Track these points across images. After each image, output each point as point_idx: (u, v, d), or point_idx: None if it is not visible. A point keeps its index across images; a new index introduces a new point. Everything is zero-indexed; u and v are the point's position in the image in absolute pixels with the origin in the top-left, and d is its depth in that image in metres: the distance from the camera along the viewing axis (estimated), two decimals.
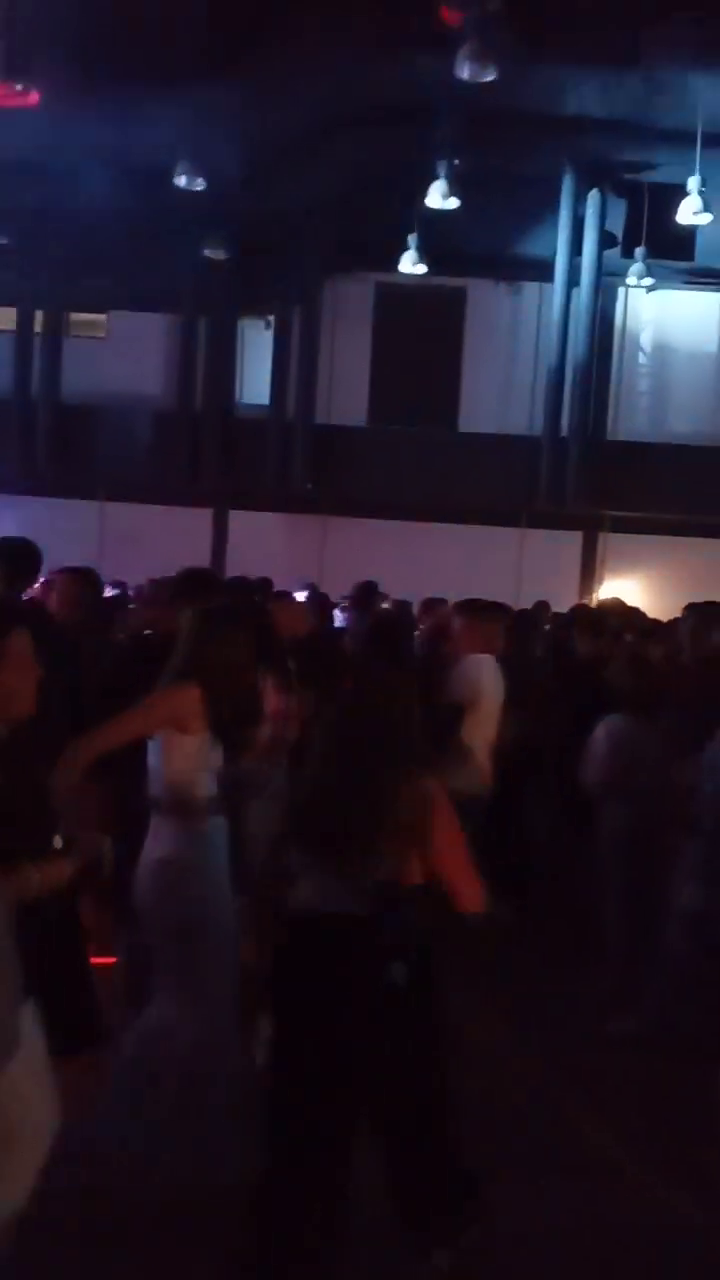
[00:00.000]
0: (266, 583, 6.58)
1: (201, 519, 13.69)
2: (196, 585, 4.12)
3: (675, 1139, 3.45)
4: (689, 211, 9.98)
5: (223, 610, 3.36)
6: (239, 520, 13.83)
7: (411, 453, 13.24)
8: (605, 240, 12.37)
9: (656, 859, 4.23)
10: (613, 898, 4.51)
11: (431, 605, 7.78)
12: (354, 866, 2.48)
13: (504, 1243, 2.76)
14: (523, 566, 12.89)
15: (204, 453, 13.33)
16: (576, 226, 12.28)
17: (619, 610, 6.47)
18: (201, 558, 12.21)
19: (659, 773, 4.23)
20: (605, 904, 4.53)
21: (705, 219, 10.02)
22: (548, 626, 7.63)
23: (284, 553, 12.15)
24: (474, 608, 5.04)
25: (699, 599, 5.91)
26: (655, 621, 7.04)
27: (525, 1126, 3.47)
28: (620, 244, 12.44)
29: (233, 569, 10.35)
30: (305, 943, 2.55)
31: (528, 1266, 2.84)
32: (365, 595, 8.52)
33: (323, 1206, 2.48)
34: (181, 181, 10.11)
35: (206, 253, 12.02)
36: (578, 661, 5.61)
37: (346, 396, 13.74)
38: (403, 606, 8.59)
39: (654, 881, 4.22)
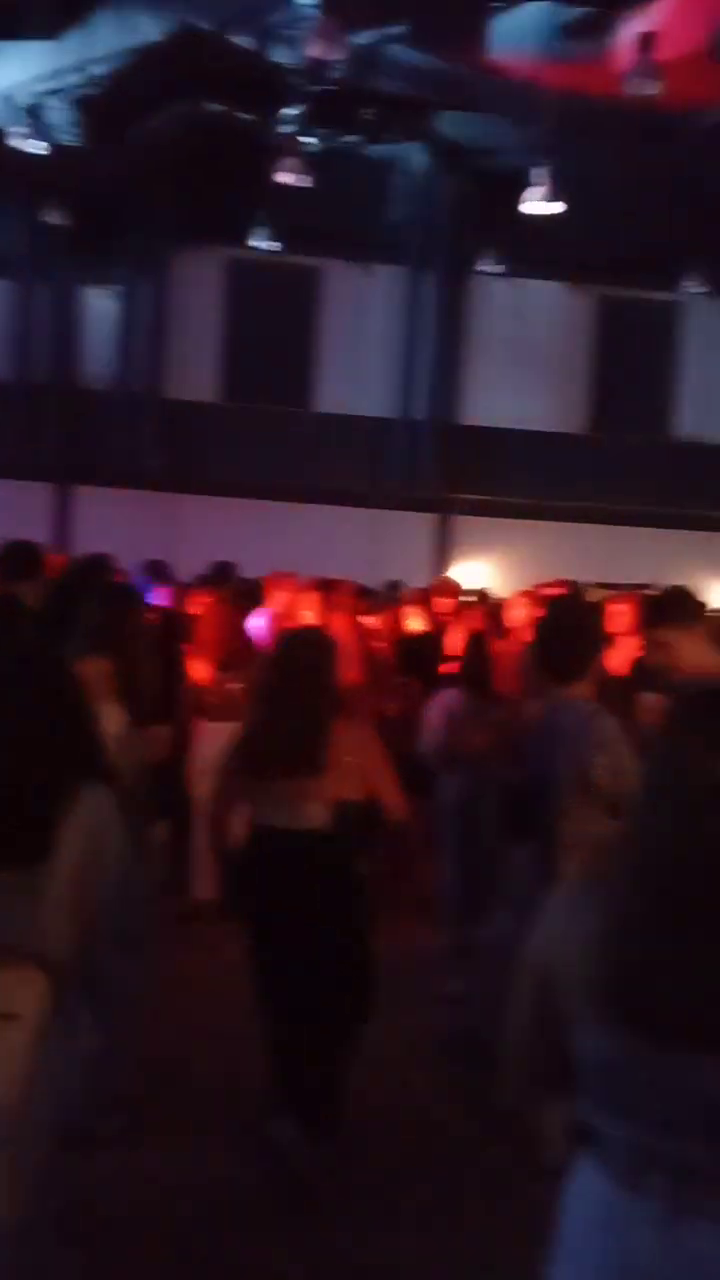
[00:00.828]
0: (105, 560, 6.43)
1: (42, 495, 13.26)
2: (18, 560, 4.02)
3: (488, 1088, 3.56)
4: (537, 200, 10.21)
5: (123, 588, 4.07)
6: (85, 497, 13.46)
7: (265, 431, 13.15)
8: (456, 225, 12.55)
9: (488, 829, 4.36)
10: (447, 864, 4.66)
11: (279, 581, 7.83)
12: (313, 790, 3.21)
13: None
14: (376, 547, 12.99)
15: (44, 426, 12.90)
16: (428, 210, 12.41)
17: (454, 590, 6.65)
18: (43, 535, 11.83)
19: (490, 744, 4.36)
20: (441, 871, 4.68)
21: (553, 208, 10.27)
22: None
23: (132, 531, 11.87)
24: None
25: (548, 580, 6.16)
26: (498, 601, 7.26)
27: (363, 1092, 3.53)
28: (472, 230, 12.62)
29: (80, 548, 10.08)
30: (280, 852, 3.24)
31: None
32: (221, 576, 8.46)
33: (323, 1054, 3.24)
34: (19, 143, 9.76)
35: (44, 218, 11.63)
36: (413, 637, 5.72)
37: (197, 372, 13.54)
38: (253, 585, 8.58)
39: (485, 850, 4.36)
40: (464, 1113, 3.59)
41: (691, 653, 3.55)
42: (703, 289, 12.92)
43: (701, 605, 3.77)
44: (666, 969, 1.38)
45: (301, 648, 3.50)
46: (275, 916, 3.26)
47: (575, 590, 5.29)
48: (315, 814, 3.24)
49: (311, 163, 10.17)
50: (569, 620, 3.70)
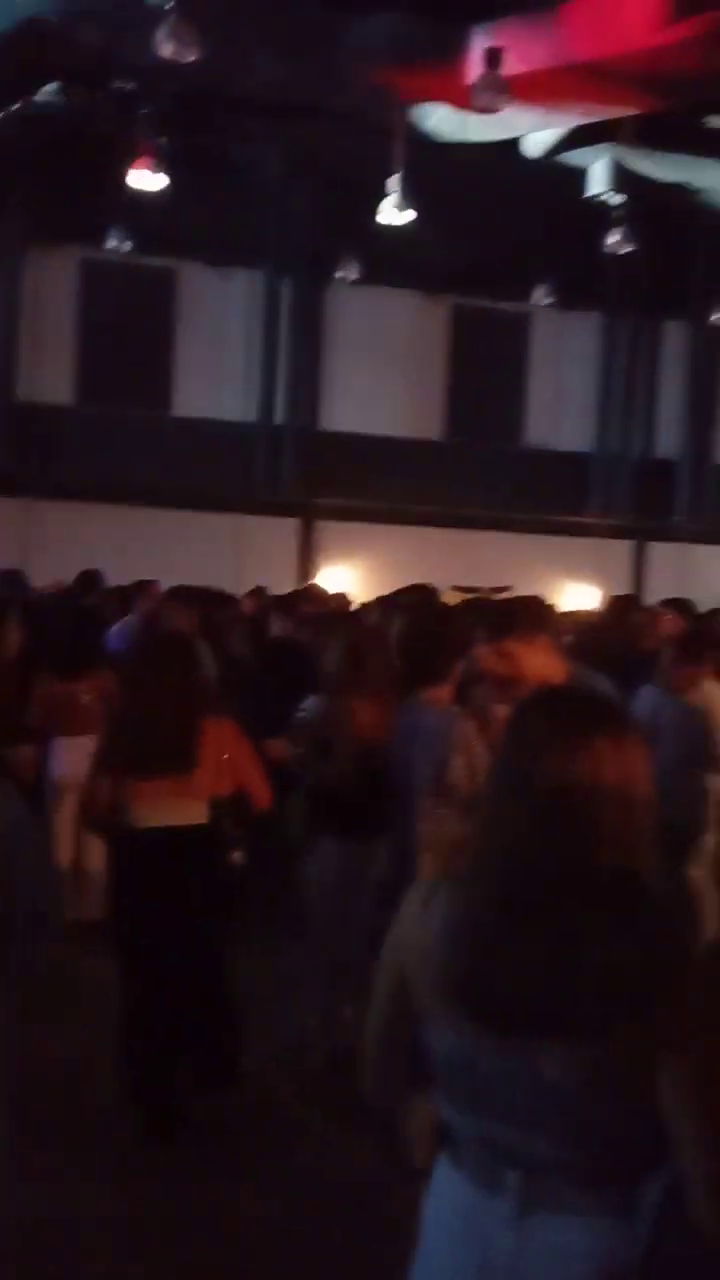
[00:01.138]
0: None
1: None
2: None
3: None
4: (391, 209, 10.35)
5: None
6: None
7: (124, 435, 12.90)
8: (314, 231, 12.60)
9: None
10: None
11: (144, 588, 7.75)
12: (187, 787, 3.39)
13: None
14: (241, 553, 12.91)
15: None
16: (285, 216, 12.42)
17: (317, 595, 6.69)
18: None
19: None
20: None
21: (405, 217, 10.42)
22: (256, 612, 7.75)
23: None
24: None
25: (410, 584, 6.25)
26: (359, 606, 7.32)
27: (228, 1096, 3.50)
28: (330, 236, 12.68)
29: None
30: (158, 850, 3.40)
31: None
32: (87, 584, 8.28)
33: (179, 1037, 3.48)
34: None
35: None
36: (275, 643, 5.72)
37: (51, 374, 13.18)
38: (118, 592, 8.45)
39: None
40: (324, 1115, 3.60)
41: (537, 662, 3.67)
42: (550, 300, 13.32)
43: (551, 613, 3.89)
44: (512, 964, 1.40)
45: (166, 649, 3.69)
46: (149, 915, 3.39)
47: (431, 594, 5.38)
48: (191, 811, 3.38)
49: (167, 164, 10.04)
50: (428, 625, 3.77)
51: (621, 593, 13.77)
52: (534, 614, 3.96)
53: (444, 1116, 1.54)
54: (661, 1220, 1.40)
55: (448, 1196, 1.55)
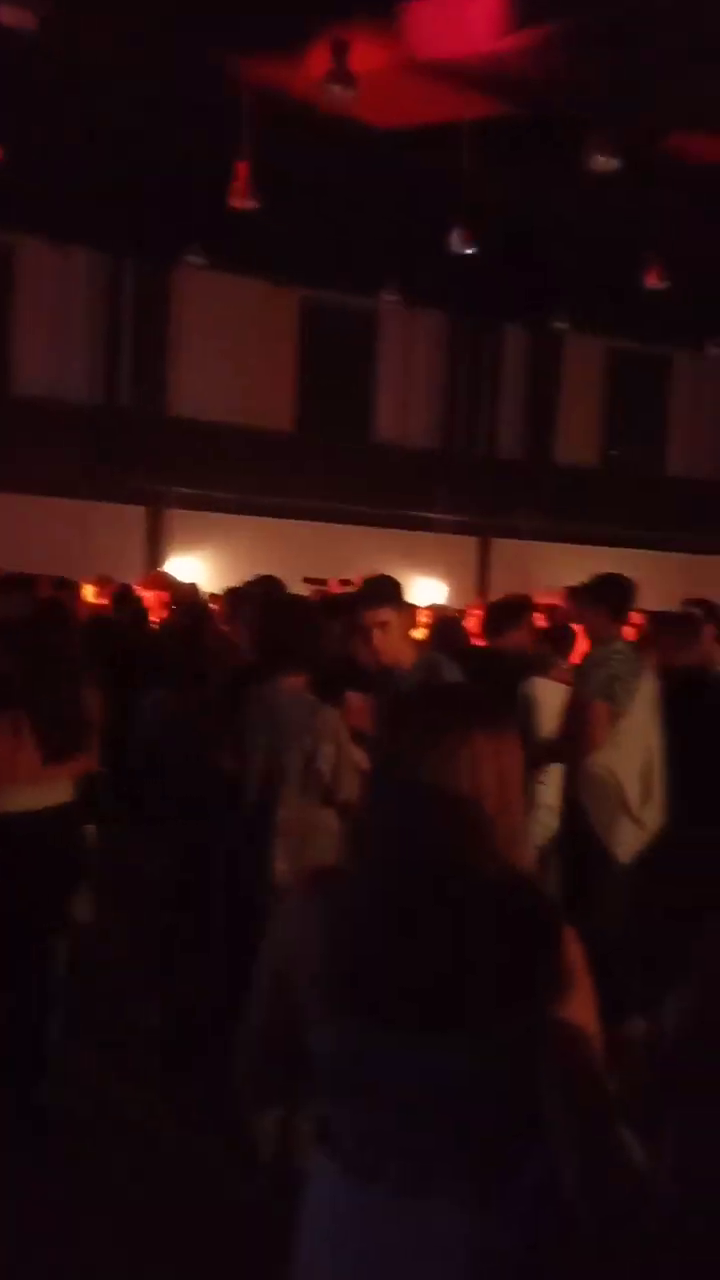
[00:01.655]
0: None
1: None
2: None
3: (198, 1095, 3.57)
4: (238, 196, 10.26)
5: None
6: None
7: None
8: (157, 213, 12.35)
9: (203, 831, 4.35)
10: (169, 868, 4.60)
11: None
12: (63, 768, 3.53)
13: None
14: (86, 541, 12.58)
15: None
16: (130, 196, 12.12)
17: (166, 584, 6.58)
18: None
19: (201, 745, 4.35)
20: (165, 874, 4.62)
21: (250, 205, 10.35)
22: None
23: None
24: None
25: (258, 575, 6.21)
26: (211, 597, 7.25)
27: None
28: (175, 220, 12.46)
29: None
30: (29, 832, 3.45)
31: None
32: None
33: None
34: None
35: None
36: (117, 634, 5.60)
37: None
38: None
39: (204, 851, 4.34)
40: (179, 1121, 3.56)
41: (400, 638, 3.74)
42: (397, 298, 13.49)
43: (400, 592, 3.97)
44: (397, 959, 1.42)
45: (39, 631, 3.85)
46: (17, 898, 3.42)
47: (277, 586, 5.38)
48: (63, 790, 3.52)
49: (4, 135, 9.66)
50: (283, 613, 3.77)
51: (466, 588, 14.16)
52: (398, 589, 4.04)
53: (323, 1112, 1.55)
54: (538, 1206, 1.44)
55: (325, 1193, 1.56)
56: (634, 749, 4.06)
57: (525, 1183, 1.46)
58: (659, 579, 13.83)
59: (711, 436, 15.85)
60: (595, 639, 4.34)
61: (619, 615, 4.36)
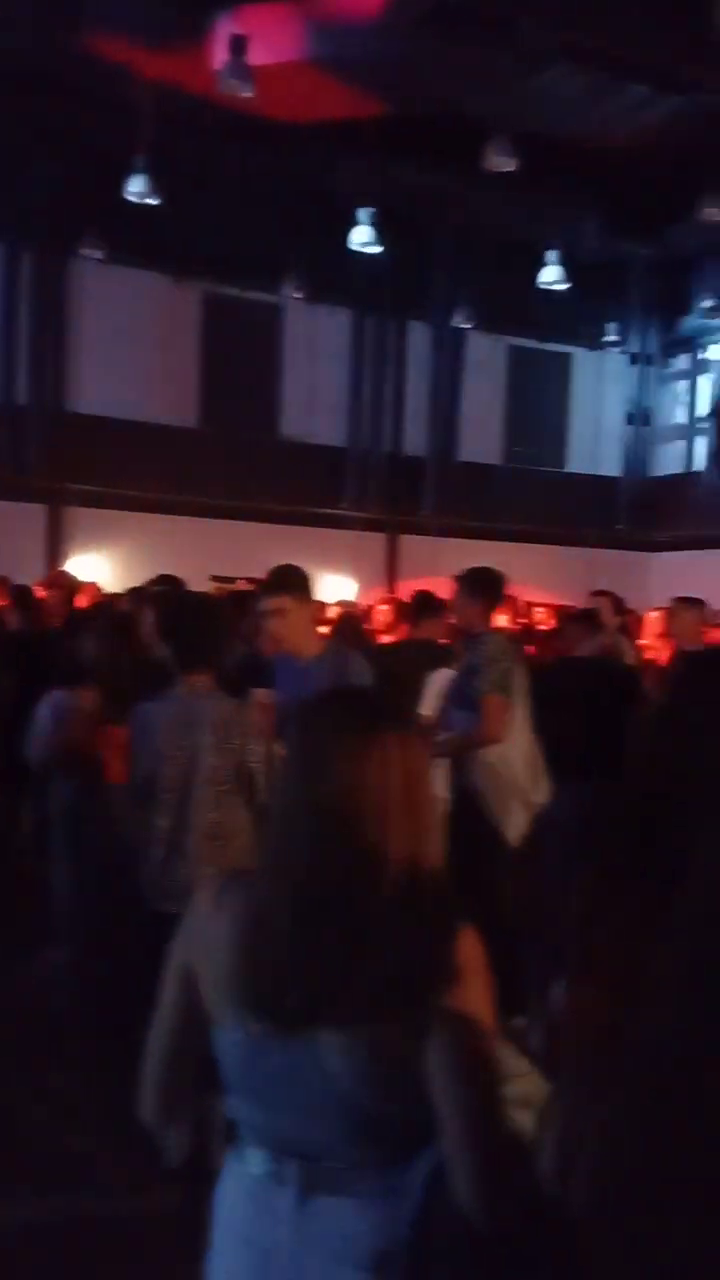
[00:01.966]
0: None
1: None
2: None
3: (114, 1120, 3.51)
4: (138, 189, 10.11)
5: None
6: None
7: None
8: (55, 205, 12.10)
9: (103, 833, 4.26)
10: (61, 873, 4.49)
11: None
12: None
13: None
14: None
15: None
16: (26, 186, 11.85)
17: (68, 583, 6.45)
18: None
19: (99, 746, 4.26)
20: (55, 879, 4.50)
21: (151, 199, 10.22)
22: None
23: None
24: None
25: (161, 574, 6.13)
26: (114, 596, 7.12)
27: None
28: (73, 212, 12.21)
29: None
30: None
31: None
32: None
33: None
34: None
35: None
36: (15, 636, 5.46)
37: None
38: None
39: (101, 856, 4.25)
40: (79, 1127, 3.49)
41: (300, 626, 3.72)
42: (300, 294, 13.45)
43: (304, 582, 3.94)
44: (296, 958, 1.44)
45: None
46: None
47: (178, 585, 5.32)
48: None
49: None
50: (191, 611, 3.73)
51: (375, 584, 14.22)
52: (304, 580, 4.02)
53: (231, 1115, 1.56)
54: (429, 1198, 1.47)
55: (232, 1194, 1.58)
56: (521, 737, 4.16)
57: (417, 1177, 1.48)
58: (563, 573, 14.15)
59: (610, 435, 16.20)
60: (470, 630, 4.42)
61: (494, 608, 4.47)
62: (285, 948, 1.45)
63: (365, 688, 3.34)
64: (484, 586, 4.48)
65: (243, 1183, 1.56)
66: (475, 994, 1.45)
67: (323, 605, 9.05)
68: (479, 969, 1.47)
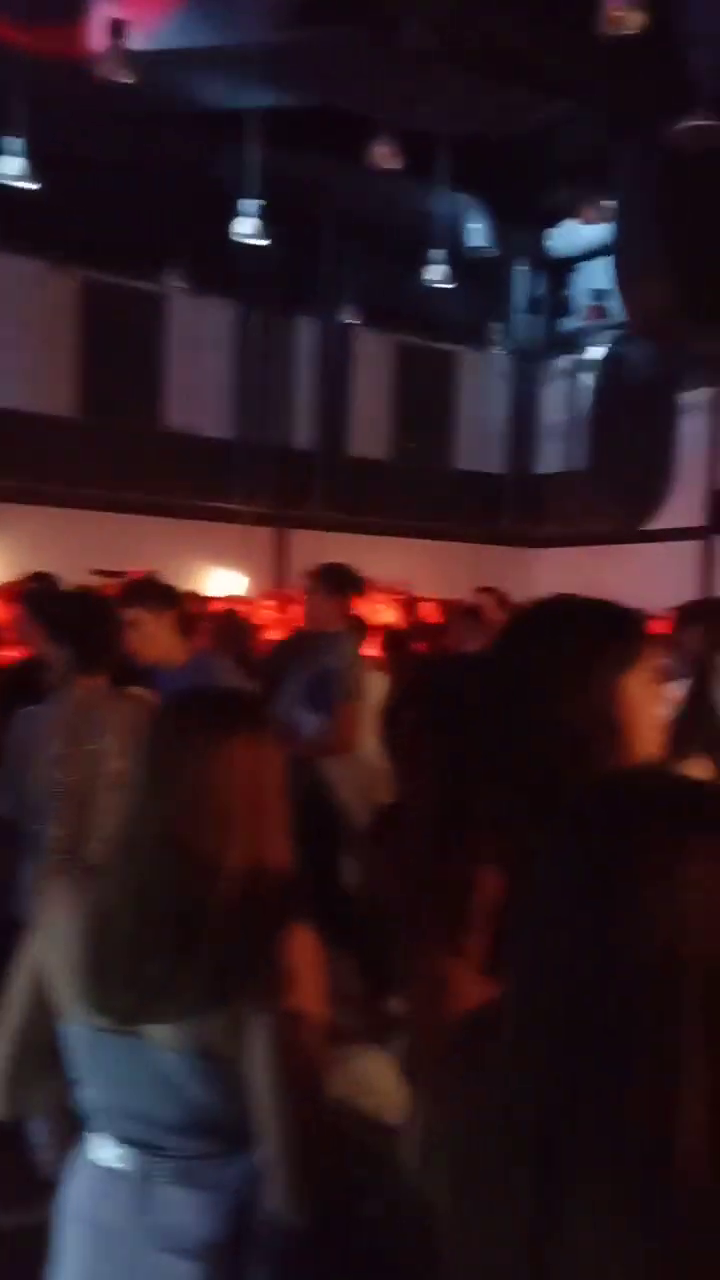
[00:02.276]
0: None
1: None
2: None
3: None
4: (13, 172, 9.78)
5: None
6: None
7: None
8: None
9: None
10: None
11: None
12: None
13: None
14: None
15: None
16: None
17: None
18: None
19: None
20: None
21: (27, 183, 9.90)
22: None
23: None
24: None
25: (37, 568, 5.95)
26: None
27: None
28: None
29: None
30: None
31: None
32: None
33: None
34: None
35: None
36: None
37: None
38: None
39: None
40: None
41: (159, 637, 3.66)
42: (183, 284, 13.24)
43: (173, 592, 3.88)
44: (126, 955, 1.49)
45: None
46: None
47: (53, 582, 5.16)
48: None
49: None
50: (91, 612, 3.61)
51: (265, 579, 14.12)
52: (160, 590, 3.94)
53: (79, 1104, 1.61)
54: (251, 1192, 1.52)
55: (79, 1178, 1.62)
56: (368, 730, 4.20)
57: (245, 1170, 1.53)
58: (450, 569, 14.30)
59: (495, 432, 16.45)
60: (322, 627, 4.41)
61: (349, 607, 4.48)
62: (124, 947, 1.49)
63: (220, 690, 3.30)
64: (339, 584, 4.45)
65: (88, 1168, 1.61)
66: (303, 993, 1.48)
67: (199, 606, 8.94)
68: (310, 968, 1.50)
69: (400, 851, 1.61)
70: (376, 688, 4.28)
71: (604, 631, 1.42)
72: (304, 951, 1.51)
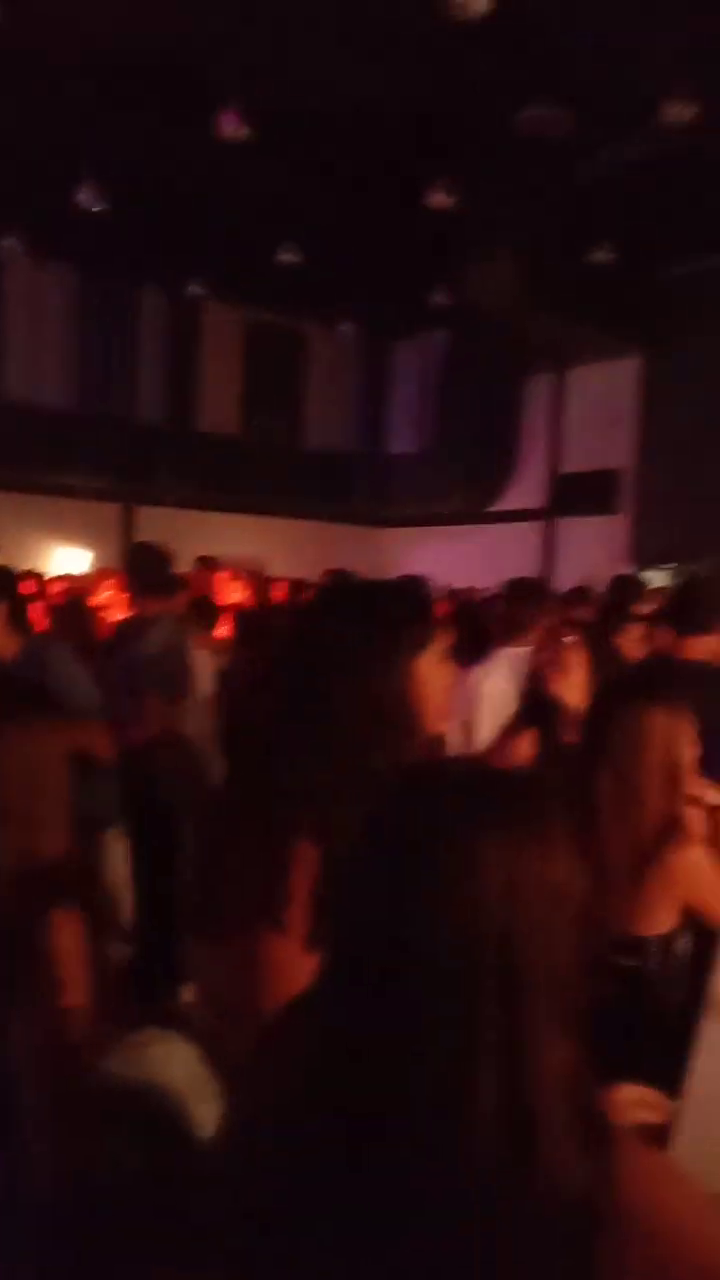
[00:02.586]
0: None
1: None
2: None
3: None
4: None
5: None
6: None
7: None
8: None
9: None
10: None
11: None
12: None
13: None
14: None
15: None
16: None
17: None
18: None
19: None
20: None
21: None
22: None
23: None
24: None
25: None
26: None
27: None
28: None
29: None
30: None
31: None
32: None
33: None
34: None
35: None
36: None
37: None
38: None
39: None
40: None
41: None
42: (21, 248, 12.69)
43: (5, 582, 3.69)
44: None
45: None
46: None
47: None
48: None
49: None
50: None
51: (111, 556, 13.76)
52: None
53: None
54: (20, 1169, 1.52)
55: None
56: (203, 716, 4.17)
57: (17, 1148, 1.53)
58: (301, 547, 14.28)
59: (343, 411, 16.48)
60: (147, 612, 4.31)
61: (160, 590, 4.37)
62: None
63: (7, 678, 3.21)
64: (146, 565, 4.30)
65: None
66: (66, 978, 1.49)
67: (40, 586, 8.66)
68: (72, 955, 1.52)
69: (220, 829, 1.60)
70: (206, 672, 4.21)
71: (405, 615, 1.51)
72: (69, 939, 1.53)
